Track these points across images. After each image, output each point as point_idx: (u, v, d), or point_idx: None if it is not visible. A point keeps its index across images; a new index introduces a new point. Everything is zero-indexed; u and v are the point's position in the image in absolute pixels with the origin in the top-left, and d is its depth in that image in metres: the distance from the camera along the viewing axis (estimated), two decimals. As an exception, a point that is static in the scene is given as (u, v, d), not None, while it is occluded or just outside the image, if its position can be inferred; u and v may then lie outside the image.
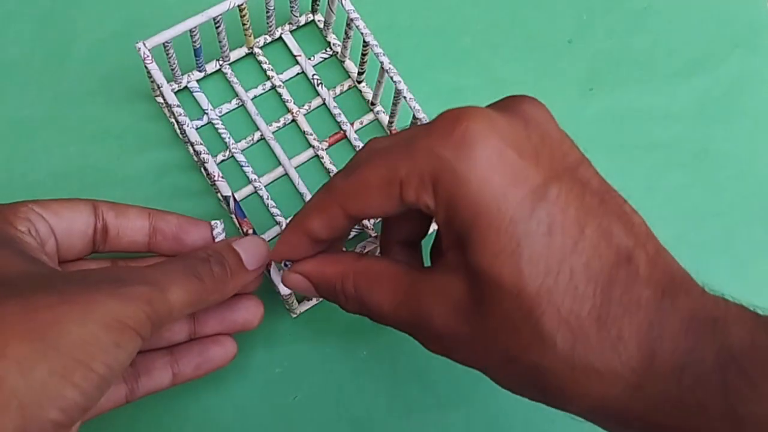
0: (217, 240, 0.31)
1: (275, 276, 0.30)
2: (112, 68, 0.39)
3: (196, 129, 0.37)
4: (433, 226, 0.33)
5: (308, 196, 0.36)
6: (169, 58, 0.35)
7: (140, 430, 0.33)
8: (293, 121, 0.38)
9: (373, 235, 0.35)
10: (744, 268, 0.38)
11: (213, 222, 0.31)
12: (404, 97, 0.33)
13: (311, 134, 0.38)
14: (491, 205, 0.22)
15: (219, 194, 0.35)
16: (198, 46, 0.36)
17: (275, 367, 0.35)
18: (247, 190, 0.37)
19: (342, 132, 0.38)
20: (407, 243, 0.29)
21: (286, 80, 0.39)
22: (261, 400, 0.34)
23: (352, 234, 0.36)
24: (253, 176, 0.37)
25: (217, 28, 0.35)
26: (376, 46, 0.34)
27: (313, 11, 0.40)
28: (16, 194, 0.36)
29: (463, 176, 0.22)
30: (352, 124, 0.38)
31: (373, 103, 0.39)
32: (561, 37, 0.42)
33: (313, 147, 0.38)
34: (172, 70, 0.36)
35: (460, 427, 0.35)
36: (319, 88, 0.39)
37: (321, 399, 0.34)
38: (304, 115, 0.38)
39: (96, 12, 0.40)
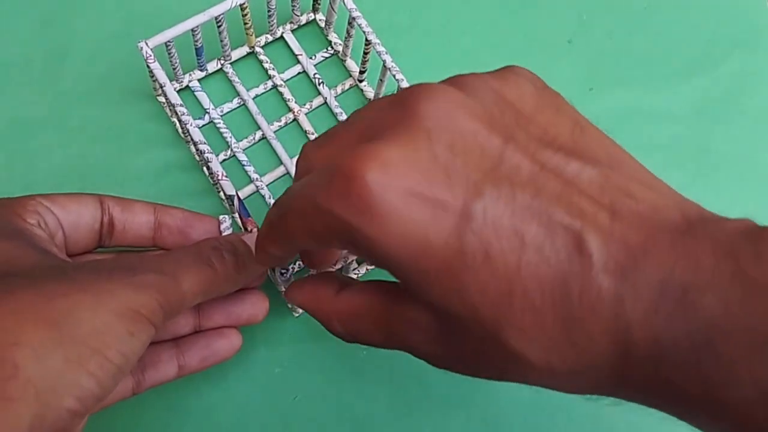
0: (224, 235, 0.31)
1: (278, 275, 0.30)
2: (112, 68, 0.39)
3: (198, 128, 0.37)
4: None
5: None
6: (171, 57, 0.35)
7: (142, 427, 0.33)
8: (294, 120, 0.38)
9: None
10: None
11: (221, 217, 0.32)
12: None
13: (313, 133, 0.38)
14: (419, 255, 0.20)
15: (221, 193, 0.35)
16: (200, 45, 0.36)
17: (276, 366, 0.35)
18: (249, 189, 0.37)
19: (342, 132, 0.38)
20: None
21: (288, 79, 0.39)
22: (261, 400, 0.34)
23: None
24: (254, 175, 0.37)
25: (218, 27, 0.35)
26: (378, 44, 0.34)
27: (315, 10, 0.40)
28: (16, 194, 0.36)
29: (378, 241, 0.20)
30: (352, 124, 0.38)
31: None
32: (561, 37, 0.42)
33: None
34: (174, 69, 0.36)
35: (460, 427, 0.35)
36: (320, 88, 0.39)
37: (321, 399, 0.34)
38: (306, 114, 0.38)
39: (96, 12, 0.40)
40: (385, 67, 0.35)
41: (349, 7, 0.35)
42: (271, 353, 0.35)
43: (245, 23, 0.36)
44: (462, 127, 0.21)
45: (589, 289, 0.20)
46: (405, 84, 0.34)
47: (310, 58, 0.39)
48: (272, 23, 0.38)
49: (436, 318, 0.22)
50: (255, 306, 0.32)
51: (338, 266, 0.31)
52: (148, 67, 0.33)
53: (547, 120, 0.22)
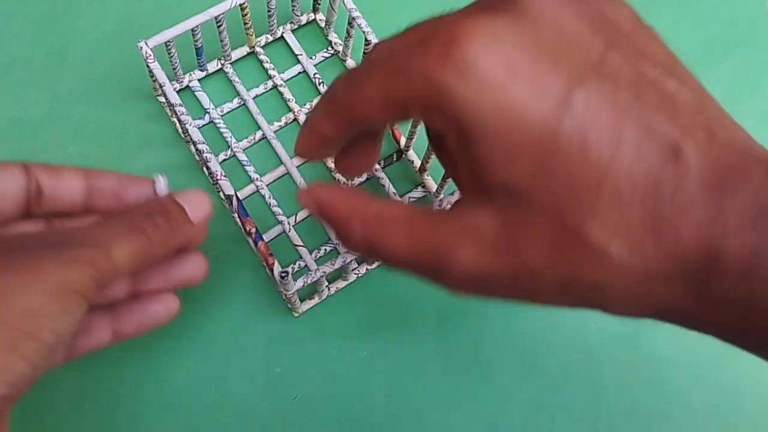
0: (159, 196, 0.30)
1: (277, 276, 0.30)
2: (112, 68, 0.39)
3: (198, 128, 0.37)
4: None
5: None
6: (171, 57, 0.35)
7: (141, 427, 0.33)
8: (295, 120, 0.38)
9: None
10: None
11: (154, 176, 0.30)
12: None
13: (312, 134, 0.38)
14: (513, 130, 0.20)
15: (221, 193, 0.35)
16: (200, 45, 0.36)
17: (275, 367, 0.35)
18: (249, 189, 0.37)
19: (342, 132, 0.38)
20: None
21: (288, 79, 0.39)
22: (261, 400, 0.34)
23: None
24: (254, 175, 0.37)
25: (218, 27, 0.35)
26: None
27: (315, 10, 0.40)
28: (16, 194, 0.36)
29: (472, 101, 0.20)
30: (352, 124, 0.38)
31: None
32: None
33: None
34: (174, 69, 0.36)
35: (460, 427, 0.35)
36: (320, 88, 0.39)
37: (321, 399, 0.34)
38: (306, 114, 0.38)
39: (96, 12, 0.40)
40: None
41: (348, 8, 0.35)
42: (271, 353, 0.35)
43: (245, 23, 0.36)
44: (567, 24, 0.21)
45: (683, 192, 0.19)
46: None
47: (311, 58, 0.39)
48: (272, 23, 0.38)
49: (502, 217, 0.21)
50: (194, 267, 0.30)
51: (337, 265, 0.31)
52: (148, 66, 0.33)
53: (644, 43, 0.22)
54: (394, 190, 0.37)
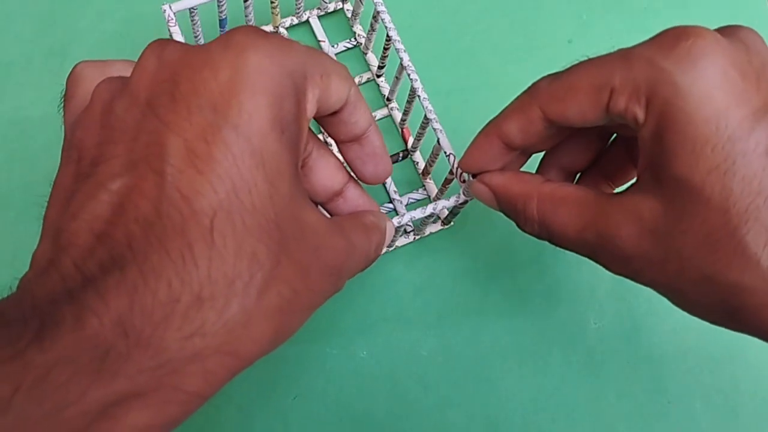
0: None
1: None
2: (112, 68, 0.39)
3: None
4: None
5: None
6: (194, 24, 0.36)
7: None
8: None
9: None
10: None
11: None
12: (418, 96, 0.33)
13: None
14: (710, 121, 0.22)
15: None
16: (224, 16, 0.36)
17: (276, 366, 0.35)
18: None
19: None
20: (566, 171, 0.31)
21: (308, 64, 0.39)
22: (262, 400, 0.34)
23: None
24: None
25: (245, 1, 0.36)
26: (398, 41, 0.34)
27: (343, 0, 0.40)
28: (16, 194, 0.36)
29: (684, 90, 0.22)
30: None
31: (389, 99, 0.39)
32: (561, 37, 0.42)
33: (323, 134, 0.38)
34: (196, 37, 0.37)
35: (460, 427, 0.35)
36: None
37: (321, 399, 0.34)
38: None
39: (96, 12, 0.40)
40: (401, 66, 0.35)
41: (375, 1, 0.35)
42: (272, 353, 0.35)
43: (272, 2, 0.37)
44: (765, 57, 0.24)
45: None
46: (418, 84, 0.33)
47: (333, 46, 0.40)
48: (299, 6, 0.39)
49: (666, 204, 0.24)
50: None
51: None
52: (169, 30, 0.33)
53: None
54: (395, 189, 0.37)
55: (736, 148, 0.22)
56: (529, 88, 0.27)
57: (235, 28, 0.22)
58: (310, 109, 0.23)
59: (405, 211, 0.36)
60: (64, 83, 0.26)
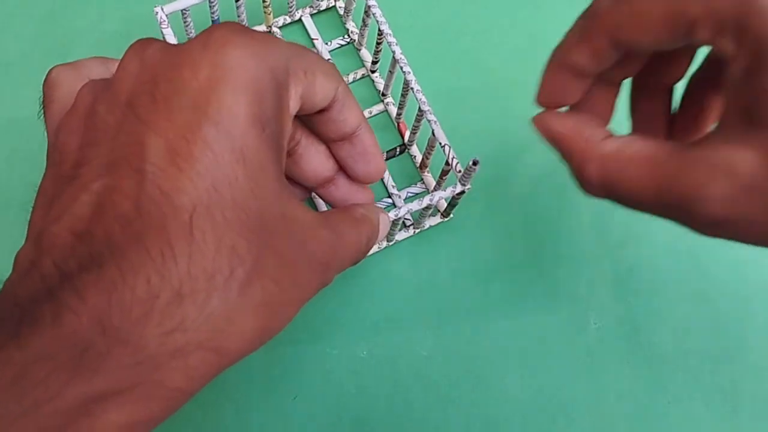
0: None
1: None
2: (112, 68, 0.39)
3: None
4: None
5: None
6: (187, 26, 0.36)
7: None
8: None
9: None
10: (744, 268, 0.38)
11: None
12: (411, 89, 0.34)
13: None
14: None
15: None
16: (216, 17, 0.36)
17: (276, 366, 0.35)
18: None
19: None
20: (659, 88, 0.27)
21: (302, 62, 0.39)
22: (261, 400, 0.34)
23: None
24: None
25: (236, 2, 0.36)
26: (389, 35, 0.34)
27: None
28: (15, 195, 0.36)
29: (764, 23, 0.19)
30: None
31: (383, 94, 0.39)
32: (561, 37, 0.42)
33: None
34: (189, 38, 0.37)
35: (460, 427, 0.35)
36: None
37: (321, 399, 0.34)
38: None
39: (96, 12, 0.40)
40: (394, 59, 0.35)
41: None
42: (272, 353, 0.35)
43: (264, 2, 0.37)
44: None
45: None
46: (411, 77, 0.34)
47: (326, 43, 0.40)
48: (291, 5, 0.39)
49: (763, 156, 0.20)
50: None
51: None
52: (161, 32, 0.33)
53: None
54: (393, 183, 0.37)
55: None
56: (588, 11, 0.24)
57: (216, 24, 0.22)
58: (293, 106, 0.23)
59: (403, 204, 0.36)
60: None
